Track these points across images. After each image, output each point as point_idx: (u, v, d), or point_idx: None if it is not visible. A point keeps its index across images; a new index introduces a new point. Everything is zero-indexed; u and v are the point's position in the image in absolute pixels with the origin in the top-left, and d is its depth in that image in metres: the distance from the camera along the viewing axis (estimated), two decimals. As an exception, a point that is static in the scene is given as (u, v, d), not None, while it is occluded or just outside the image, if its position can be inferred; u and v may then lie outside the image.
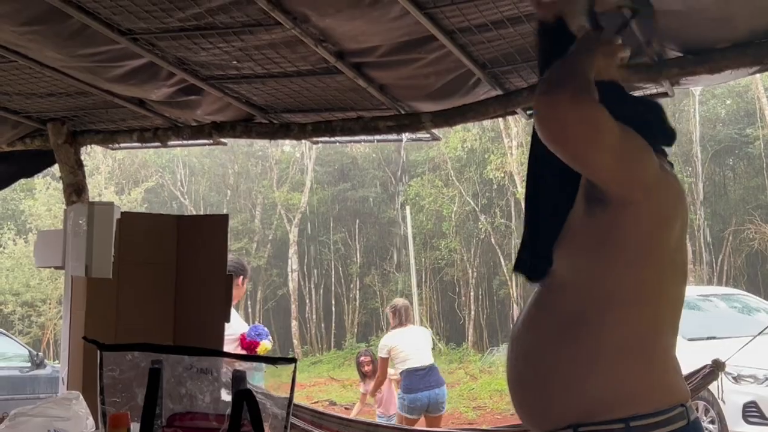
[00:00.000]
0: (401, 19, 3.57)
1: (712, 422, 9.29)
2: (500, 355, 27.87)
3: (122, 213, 4.62)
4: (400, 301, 9.90)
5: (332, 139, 4.93)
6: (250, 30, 3.64)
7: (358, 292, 39.53)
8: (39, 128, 5.11)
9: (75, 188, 4.96)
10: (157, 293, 4.92)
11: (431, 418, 8.97)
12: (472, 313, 36.65)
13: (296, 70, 4.11)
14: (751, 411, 9.00)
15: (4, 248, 31.23)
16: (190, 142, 5.14)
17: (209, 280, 4.76)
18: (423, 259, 37.44)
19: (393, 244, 39.45)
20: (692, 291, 12.68)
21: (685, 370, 9.74)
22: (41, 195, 30.76)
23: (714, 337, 9.95)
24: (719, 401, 9.11)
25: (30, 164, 5.42)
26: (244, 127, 4.85)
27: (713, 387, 9.21)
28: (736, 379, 9.16)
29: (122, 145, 5.22)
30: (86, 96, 4.52)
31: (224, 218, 4.88)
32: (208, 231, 4.82)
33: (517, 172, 31.80)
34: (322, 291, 40.18)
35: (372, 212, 40.57)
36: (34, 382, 12.43)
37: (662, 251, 2.27)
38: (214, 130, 4.87)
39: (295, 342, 37.19)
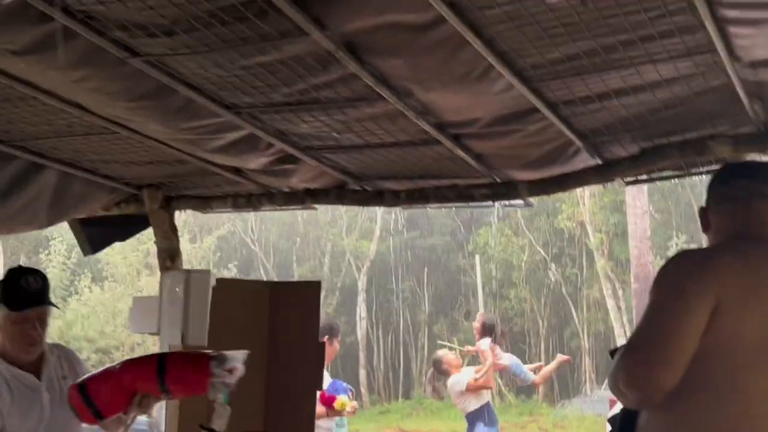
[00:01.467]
0: (505, 93, 3.53)
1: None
2: (572, 408, 27.33)
3: (217, 280, 4.64)
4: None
5: (425, 206, 4.90)
6: (354, 104, 3.64)
7: (426, 340, 39.23)
8: (134, 193, 5.18)
9: (169, 253, 5.00)
10: (249, 361, 4.93)
11: None
12: (543, 363, 36.09)
13: (395, 141, 4.09)
14: None
15: (80, 295, 31.83)
16: (283, 208, 5.15)
17: (301, 348, 4.74)
18: (492, 309, 36.99)
19: (461, 293, 39.18)
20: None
21: None
22: (117, 243, 31.33)
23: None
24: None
25: (124, 228, 5.50)
26: (338, 193, 4.85)
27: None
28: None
29: (216, 210, 5.25)
30: (183, 164, 4.57)
31: (316, 285, 4.87)
32: (300, 298, 4.82)
33: (589, 222, 31.43)
34: (390, 339, 39.99)
35: (441, 260, 40.41)
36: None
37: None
38: (307, 197, 4.88)
39: (363, 390, 36.98)
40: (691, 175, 4.32)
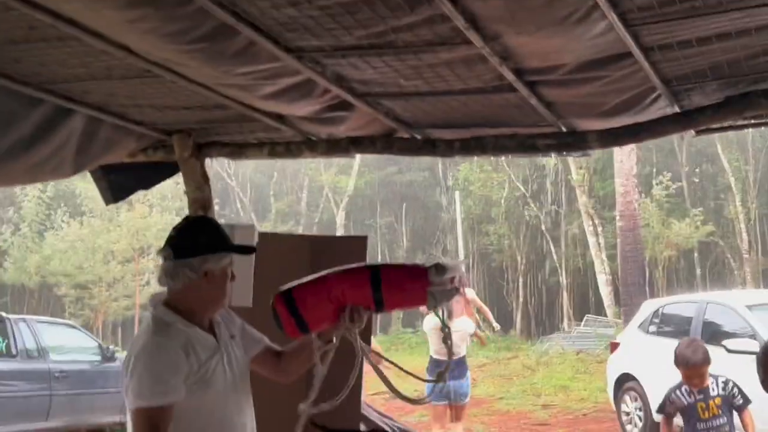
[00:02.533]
0: (601, 37, 3.21)
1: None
2: (551, 344, 27.45)
3: (259, 235, 4.31)
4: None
5: (482, 156, 4.57)
6: (433, 49, 3.29)
7: (404, 276, 39.19)
8: (162, 139, 4.79)
9: (201, 204, 4.64)
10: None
11: (456, 407, 9.19)
12: (520, 299, 36.27)
13: (464, 87, 3.76)
14: None
15: (57, 230, 31.32)
16: (324, 156, 4.79)
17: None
18: (471, 245, 37.07)
19: (440, 229, 39.12)
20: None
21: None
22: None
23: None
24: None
25: (149, 175, 5.12)
26: (385, 142, 4.50)
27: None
28: None
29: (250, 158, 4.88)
30: (222, 109, 4.19)
31: (362, 241, 4.56)
32: (343, 254, 4.49)
33: (571, 158, 31.23)
34: (368, 275, 39.86)
35: (419, 196, 40.21)
36: (104, 377, 12.22)
37: None
38: (351, 145, 4.53)
39: (341, 326, 36.99)
40: (768, 124, 4.04)
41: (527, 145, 4.26)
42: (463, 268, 2.95)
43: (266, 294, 4.30)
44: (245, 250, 3.21)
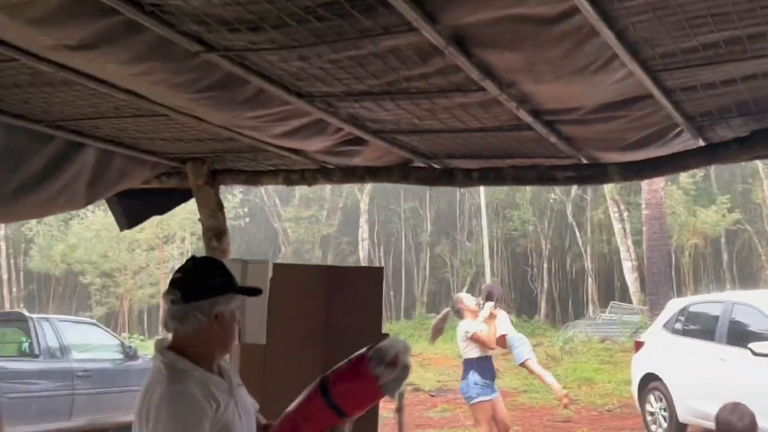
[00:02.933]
0: (621, 82, 3.11)
1: None
2: (576, 331, 27.29)
3: (274, 266, 4.25)
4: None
5: (501, 185, 4.48)
6: (447, 95, 3.20)
7: (428, 261, 39.18)
8: (177, 167, 4.73)
9: (215, 232, 4.58)
10: (305, 351, 4.54)
11: (498, 401, 8.69)
12: (545, 285, 36.08)
13: (481, 127, 3.66)
14: None
15: (82, 219, 31.47)
16: (339, 183, 4.73)
17: (362, 340, 4.36)
18: (495, 230, 36.87)
19: (464, 214, 38.96)
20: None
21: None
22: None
23: None
24: None
25: (163, 201, 5.06)
26: (401, 172, 4.42)
27: None
28: None
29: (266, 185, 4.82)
30: (234, 141, 4.13)
31: (378, 271, 4.48)
32: (360, 285, 4.43)
33: (596, 144, 30.91)
34: (391, 260, 39.90)
35: (443, 181, 39.92)
36: (126, 375, 12.25)
37: None
38: (367, 174, 4.45)
39: (365, 311, 37.05)
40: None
41: (547, 177, 4.16)
42: (402, 346, 2.83)
43: (281, 328, 4.25)
44: (254, 291, 3.09)
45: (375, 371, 2.73)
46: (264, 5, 2.39)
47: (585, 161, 4.19)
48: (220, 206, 4.69)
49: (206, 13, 2.48)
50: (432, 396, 16.65)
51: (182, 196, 4.91)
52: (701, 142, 3.96)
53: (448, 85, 3.11)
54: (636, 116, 3.52)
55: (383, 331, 4.41)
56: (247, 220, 34.72)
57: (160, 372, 2.76)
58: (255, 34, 2.60)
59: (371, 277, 4.43)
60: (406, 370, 2.79)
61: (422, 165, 4.46)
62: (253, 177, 4.77)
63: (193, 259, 2.96)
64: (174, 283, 2.83)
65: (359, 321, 4.38)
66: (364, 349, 2.86)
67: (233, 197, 32.72)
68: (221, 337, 2.82)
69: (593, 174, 4.12)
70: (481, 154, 4.24)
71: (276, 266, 4.28)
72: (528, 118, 3.44)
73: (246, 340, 4.06)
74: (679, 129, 3.77)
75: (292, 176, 4.61)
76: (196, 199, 4.71)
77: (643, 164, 4.00)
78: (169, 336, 2.86)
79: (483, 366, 8.44)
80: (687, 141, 3.96)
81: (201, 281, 2.82)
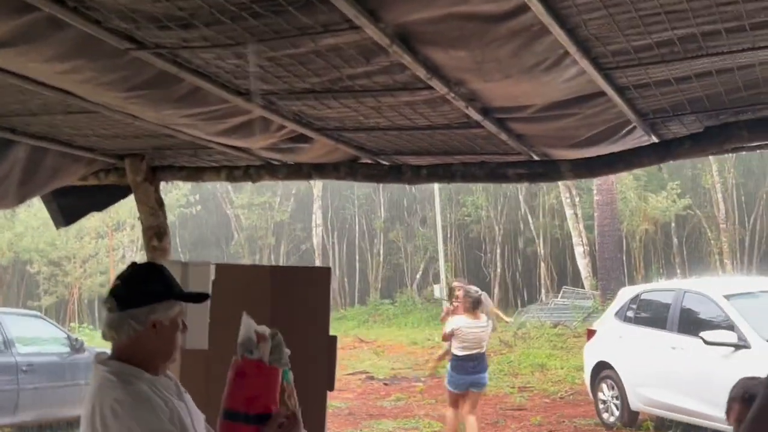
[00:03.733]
0: (573, 80, 3.00)
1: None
2: (529, 316, 27.42)
3: (217, 267, 4.08)
4: (474, 289, 10.22)
5: (449, 183, 4.36)
6: (392, 93, 3.06)
7: (382, 247, 39.11)
8: (114, 162, 4.53)
9: (156, 231, 4.40)
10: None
11: (473, 393, 9.75)
12: (498, 270, 36.21)
13: (429, 124, 3.54)
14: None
15: (30, 206, 30.79)
16: (285, 179, 4.57)
17: (310, 342, 4.23)
18: (448, 215, 36.89)
19: (418, 200, 38.92)
20: (765, 283, 11.97)
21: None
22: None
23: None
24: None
25: (102, 199, 4.86)
26: (349, 168, 4.27)
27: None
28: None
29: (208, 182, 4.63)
30: (173, 138, 3.95)
31: (326, 272, 4.35)
32: (306, 285, 4.29)
33: (548, 130, 31.00)
34: (345, 246, 39.77)
35: (397, 167, 39.83)
36: (74, 369, 11.97)
37: None
38: (313, 171, 4.30)
39: (319, 297, 36.90)
40: (758, 148, 3.84)
41: (497, 174, 4.05)
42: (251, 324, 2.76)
43: (225, 332, 4.09)
44: (197, 297, 2.94)
45: (255, 357, 2.69)
46: (195, 1, 2.22)
47: (536, 158, 4.08)
48: (160, 204, 4.51)
49: (133, 10, 2.31)
50: (386, 385, 16.58)
51: (121, 192, 4.72)
52: (654, 139, 3.88)
53: (394, 84, 2.98)
54: (588, 114, 3.42)
55: (330, 333, 4.28)
56: (199, 207, 34.27)
57: (107, 379, 2.61)
58: (187, 31, 2.44)
59: (318, 277, 4.29)
60: (274, 335, 2.79)
61: (370, 162, 4.32)
62: (194, 173, 4.59)
63: (133, 265, 2.81)
64: (111, 291, 2.69)
65: (306, 323, 4.25)
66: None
67: (183, 184, 32.30)
68: (161, 346, 2.68)
69: (545, 171, 4.02)
70: (430, 151, 4.12)
71: (219, 267, 4.12)
72: (477, 116, 3.32)
73: (187, 346, 3.89)
74: (631, 126, 3.68)
75: (235, 173, 4.44)
76: (135, 197, 4.52)
77: (595, 161, 3.91)
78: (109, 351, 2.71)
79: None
80: (640, 138, 3.87)
81: (138, 288, 2.69)
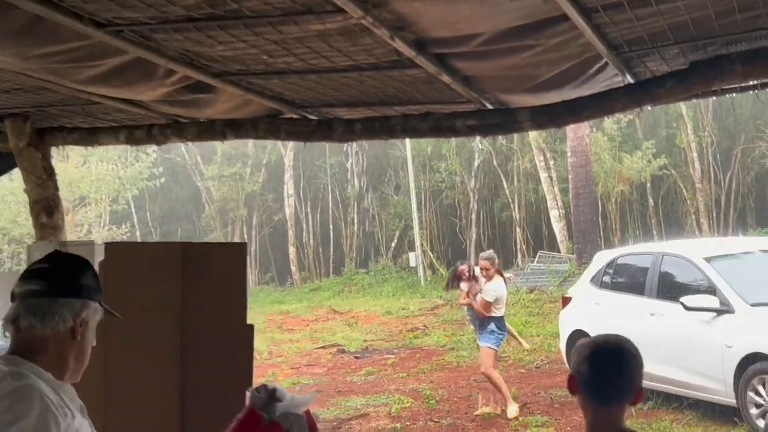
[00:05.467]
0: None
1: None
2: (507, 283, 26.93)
3: (106, 246, 3.39)
4: (490, 252, 10.60)
5: (388, 139, 3.66)
6: (295, 20, 2.36)
7: (356, 216, 38.52)
8: (-7, 125, 3.81)
9: (45, 205, 3.70)
10: (158, 344, 3.71)
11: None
12: (474, 236, 35.72)
13: (352, 64, 2.85)
14: None
15: (-14, 184, 29.88)
16: (196, 140, 3.86)
17: (226, 332, 3.58)
18: (422, 182, 36.31)
19: (391, 167, 38.28)
20: (753, 244, 11.39)
21: (751, 340, 8.72)
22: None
23: (783, 302, 8.74)
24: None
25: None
26: (269, 125, 3.57)
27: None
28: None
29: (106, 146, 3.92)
30: (52, 92, 3.23)
31: (241, 248, 3.67)
32: (220, 262, 3.61)
33: (521, 92, 30.33)
34: (319, 216, 39.12)
35: (369, 134, 39.15)
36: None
37: None
38: (227, 129, 3.60)
39: (294, 268, 36.32)
40: (748, 90, 3.18)
41: (444, 127, 3.36)
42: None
43: (122, 321, 3.41)
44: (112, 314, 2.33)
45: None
46: None
47: (490, 106, 3.40)
48: (49, 173, 3.80)
49: None
50: (357, 358, 16.00)
51: (5, 163, 3.99)
52: (629, 79, 3.20)
53: (296, 7, 2.29)
54: (548, 46, 2.74)
55: (248, 322, 3.61)
56: (163, 180, 33.41)
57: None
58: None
59: (233, 254, 3.61)
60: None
61: (295, 116, 3.62)
62: (88, 135, 3.88)
63: (57, 253, 2.28)
64: (36, 273, 2.19)
65: (221, 308, 3.58)
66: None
67: (147, 156, 31.40)
68: (78, 352, 2.20)
69: (500, 122, 3.33)
70: (364, 101, 3.43)
71: (108, 247, 3.42)
72: (409, 51, 2.63)
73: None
74: (602, 62, 3.01)
75: (136, 134, 3.73)
76: (18, 165, 3.81)
77: (559, 108, 3.23)
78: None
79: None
80: (612, 78, 3.20)
81: (72, 276, 2.24)
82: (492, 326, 9.87)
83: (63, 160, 28.79)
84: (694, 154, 31.10)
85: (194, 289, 3.54)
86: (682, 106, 30.51)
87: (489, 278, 9.80)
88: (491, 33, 2.58)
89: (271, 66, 2.85)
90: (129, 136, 3.72)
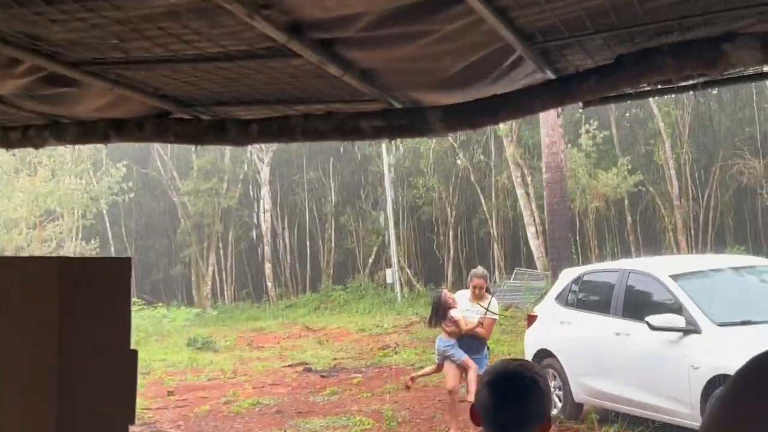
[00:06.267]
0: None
1: None
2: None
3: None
4: (483, 270, 10.11)
5: (289, 142, 3.29)
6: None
7: (333, 232, 38.20)
8: None
9: None
10: (28, 382, 3.31)
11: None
12: (451, 253, 35.43)
13: (222, 52, 2.46)
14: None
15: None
16: (77, 143, 3.47)
17: (107, 360, 3.17)
18: (400, 198, 36.09)
19: (369, 183, 38.02)
20: (721, 262, 11.09)
21: (718, 361, 8.38)
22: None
23: (750, 322, 8.42)
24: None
25: None
26: (156, 126, 3.18)
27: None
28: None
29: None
30: None
31: (125, 263, 3.26)
32: (103, 279, 3.21)
33: (498, 108, 30.09)
34: (296, 231, 38.78)
35: (347, 149, 38.93)
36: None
37: None
38: (111, 130, 3.21)
39: (269, 284, 35.91)
40: (686, 90, 2.83)
41: (348, 128, 2.98)
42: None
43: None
44: None
45: None
46: None
47: (398, 106, 3.02)
48: None
49: None
50: (323, 377, 15.61)
51: None
52: (551, 75, 2.84)
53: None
54: (446, 32, 2.37)
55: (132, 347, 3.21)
56: (132, 195, 32.95)
57: None
58: None
59: (116, 270, 3.20)
60: None
61: (185, 116, 3.24)
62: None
63: None
64: None
65: (102, 332, 3.17)
66: None
67: (117, 171, 30.96)
68: None
69: (409, 123, 2.95)
70: (259, 100, 3.04)
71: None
72: (280, 36, 2.25)
73: None
74: (516, 55, 2.64)
75: (10, 136, 3.33)
76: None
77: (472, 107, 2.85)
78: None
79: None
80: (533, 75, 2.84)
81: None
82: (486, 350, 9.56)
83: (31, 174, 28.28)
84: (672, 171, 31.00)
85: (72, 311, 3.13)
86: (660, 123, 30.36)
87: (481, 297, 9.37)
88: (375, 15, 2.21)
89: (130, 55, 2.47)
90: (3, 137, 3.32)
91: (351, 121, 2.97)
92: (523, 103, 2.77)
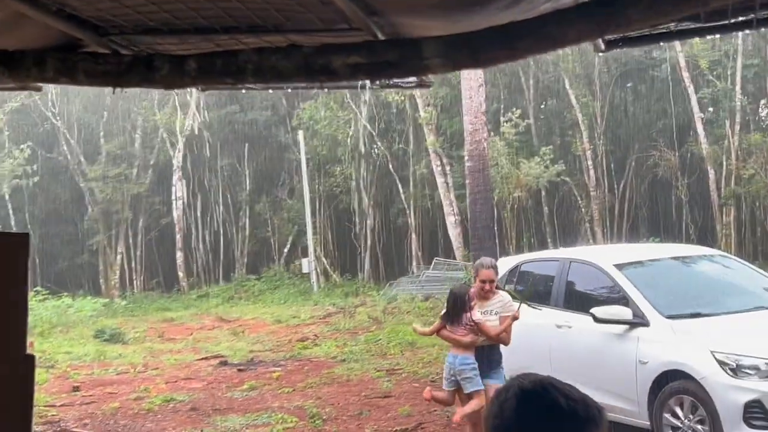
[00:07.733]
0: None
1: (701, 422, 7.46)
2: (400, 290, 26.25)
3: None
4: (493, 260, 8.28)
5: (239, 88, 2.56)
6: None
7: (247, 220, 37.30)
8: None
9: None
10: None
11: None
12: (368, 242, 34.92)
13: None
14: (754, 412, 7.10)
15: None
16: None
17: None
18: (317, 186, 35.42)
19: (285, 170, 37.20)
20: (663, 251, 10.74)
21: (667, 356, 7.98)
22: None
23: (699, 314, 8.05)
24: (712, 399, 7.32)
25: None
26: (61, 62, 2.41)
27: (706, 380, 7.41)
28: (735, 371, 7.26)
29: None
30: None
31: (23, 239, 2.52)
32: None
33: (418, 95, 29.68)
34: (209, 220, 37.69)
35: (262, 136, 37.99)
36: None
37: None
38: (5, 69, 2.43)
39: (181, 274, 34.79)
40: (743, 28, 2.23)
41: (316, 67, 2.27)
42: None
43: None
44: None
45: None
46: None
47: (383, 37, 2.33)
48: None
49: None
50: (240, 371, 14.86)
51: None
52: (582, -1, 2.19)
53: None
54: None
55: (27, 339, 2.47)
56: (37, 179, 31.42)
57: None
58: None
59: (13, 244, 2.47)
60: None
61: (101, 50, 2.48)
62: None
63: None
64: None
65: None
66: None
67: (21, 152, 29.39)
68: None
69: (397, 59, 2.25)
70: (198, 27, 2.32)
71: None
72: None
73: None
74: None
75: None
76: None
77: (483, 38, 2.18)
78: None
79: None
80: (556, -2, 2.19)
81: None
82: (501, 357, 7.77)
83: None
84: (589, 162, 31.10)
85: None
86: (578, 114, 30.36)
87: (486, 297, 7.63)
88: None
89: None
90: None
91: (320, 58, 2.26)
92: (550, 32, 2.11)
